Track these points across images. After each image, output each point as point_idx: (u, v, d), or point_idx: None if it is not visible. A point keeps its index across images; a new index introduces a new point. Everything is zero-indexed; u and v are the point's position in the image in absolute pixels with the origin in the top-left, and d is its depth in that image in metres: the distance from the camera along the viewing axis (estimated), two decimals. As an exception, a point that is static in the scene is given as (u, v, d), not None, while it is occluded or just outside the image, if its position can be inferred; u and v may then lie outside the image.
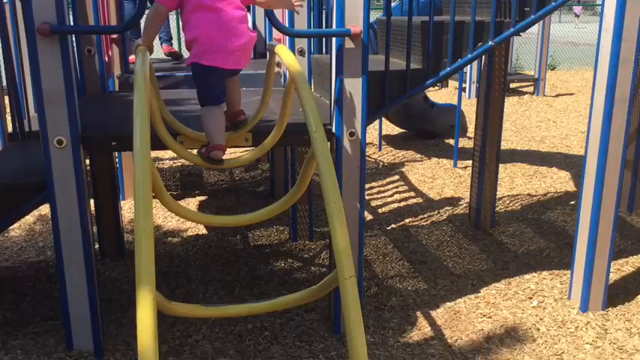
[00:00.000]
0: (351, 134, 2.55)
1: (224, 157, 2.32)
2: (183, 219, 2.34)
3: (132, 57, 4.20)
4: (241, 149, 4.63)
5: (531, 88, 9.84)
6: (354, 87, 2.51)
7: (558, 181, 5.10)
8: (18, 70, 3.37)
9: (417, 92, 2.83)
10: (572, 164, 5.62)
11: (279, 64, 3.58)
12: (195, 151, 2.39)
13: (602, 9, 2.65)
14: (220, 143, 2.30)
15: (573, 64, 13.61)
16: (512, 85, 9.95)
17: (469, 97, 9.11)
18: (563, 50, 14.81)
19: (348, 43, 2.46)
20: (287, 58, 2.16)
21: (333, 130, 2.57)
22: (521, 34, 2.84)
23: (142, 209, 1.59)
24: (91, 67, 3.32)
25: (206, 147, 2.33)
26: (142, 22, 2.47)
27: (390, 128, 7.05)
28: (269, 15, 2.43)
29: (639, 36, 2.62)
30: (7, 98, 3.14)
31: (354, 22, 2.43)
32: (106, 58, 3.78)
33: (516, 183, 5.06)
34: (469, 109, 7.41)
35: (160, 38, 4.95)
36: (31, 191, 2.47)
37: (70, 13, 3.16)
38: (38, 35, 2.16)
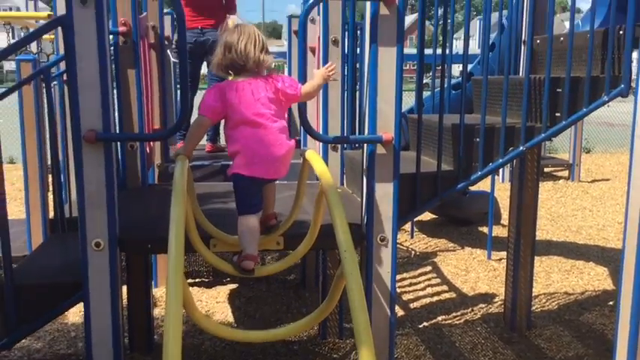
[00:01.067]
0: (382, 239, 2.55)
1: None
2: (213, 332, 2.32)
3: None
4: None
5: (566, 172, 9.74)
6: (386, 192, 2.53)
7: (596, 277, 4.95)
8: (64, 154, 3.54)
9: (448, 195, 2.84)
10: (610, 259, 5.46)
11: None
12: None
13: (633, 119, 2.66)
14: (252, 253, 2.33)
15: (609, 147, 13.48)
16: (546, 170, 9.87)
17: (502, 180, 9.05)
18: (598, 132, 14.72)
19: (380, 149, 2.51)
20: (318, 167, 2.21)
21: (364, 232, 2.58)
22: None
23: (173, 326, 1.59)
24: (132, 160, 3.44)
25: (238, 255, 2.37)
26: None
27: (424, 214, 7.02)
28: (303, 122, 2.51)
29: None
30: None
31: (386, 129, 2.49)
32: (148, 149, 3.93)
33: (553, 279, 4.93)
34: (502, 193, 7.35)
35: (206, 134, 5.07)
36: (67, 290, 2.51)
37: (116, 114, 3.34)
38: (84, 142, 2.26)
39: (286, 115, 2.51)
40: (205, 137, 5.02)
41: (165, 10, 5.07)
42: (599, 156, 12.46)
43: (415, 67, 3.10)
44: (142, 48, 3.80)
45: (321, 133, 3.62)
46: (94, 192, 2.30)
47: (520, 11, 3.61)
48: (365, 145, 2.56)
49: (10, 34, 10.50)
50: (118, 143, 3.25)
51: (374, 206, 2.54)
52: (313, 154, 2.37)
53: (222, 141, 5.59)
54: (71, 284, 2.48)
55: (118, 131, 3.33)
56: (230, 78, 2.42)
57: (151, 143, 4.09)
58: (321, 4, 3.46)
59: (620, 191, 8.64)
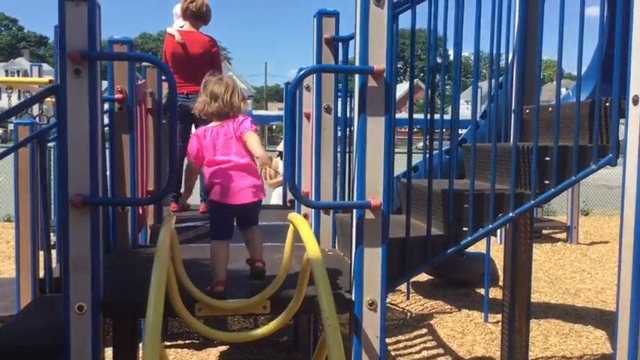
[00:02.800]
0: (371, 304, 2.52)
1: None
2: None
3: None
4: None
5: (564, 235, 9.71)
6: (374, 257, 2.52)
7: (594, 341, 4.86)
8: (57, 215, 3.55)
9: (437, 261, 2.83)
10: (609, 322, 5.36)
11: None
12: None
13: (622, 187, 2.68)
14: (221, 279, 2.59)
15: (607, 209, 13.48)
16: (544, 232, 9.85)
17: (500, 241, 9.00)
18: (597, 194, 14.74)
19: (368, 214, 2.52)
20: (304, 234, 2.21)
21: (352, 298, 2.56)
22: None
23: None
24: (123, 222, 3.45)
25: (210, 284, 2.57)
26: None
27: (420, 274, 6.96)
28: (291, 187, 2.52)
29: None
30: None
31: (374, 195, 2.50)
32: (140, 211, 3.94)
33: (550, 342, 4.84)
34: (500, 254, 7.29)
35: (200, 196, 5.09)
36: (50, 353, 2.47)
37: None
38: (71, 205, 2.28)
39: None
40: (199, 198, 5.04)
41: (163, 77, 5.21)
42: (597, 218, 12.46)
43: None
44: (140, 113, 3.88)
45: (313, 195, 3.66)
46: (78, 256, 2.30)
47: (510, 80, 3.70)
48: (354, 210, 2.57)
49: (15, 96, 10.78)
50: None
51: (362, 271, 2.52)
52: (299, 219, 2.37)
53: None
54: (53, 347, 2.43)
55: (110, 194, 3.40)
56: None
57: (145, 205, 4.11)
58: (315, 76, 3.55)
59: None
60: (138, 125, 3.81)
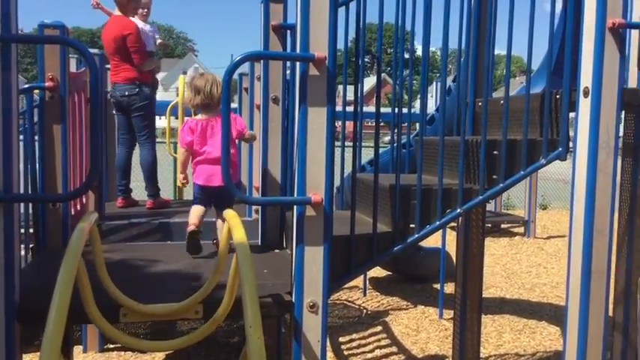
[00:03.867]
0: (312, 306, 2.39)
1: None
2: None
3: None
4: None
5: (522, 229, 9.78)
6: (315, 256, 2.39)
7: (548, 337, 4.85)
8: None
9: (384, 259, 2.72)
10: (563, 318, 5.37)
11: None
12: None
13: (572, 182, 2.61)
14: (192, 222, 3.28)
15: (565, 202, 13.66)
16: (502, 226, 9.91)
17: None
18: (555, 188, 14.95)
19: (309, 211, 2.38)
20: (237, 234, 2.05)
21: (293, 300, 2.43)
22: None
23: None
24: (54, 219, 3.23)
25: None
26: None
27: (378, 270, 6.88)
28: (227, 183, 2.36)
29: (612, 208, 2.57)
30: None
31: (315, 190, 2.37)
32: (78, 207, 3.73)
33: (504, 339, 4.81)
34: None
35: (146, 190, 4.88)
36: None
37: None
38: (-19, 202, 2.08)
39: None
40: (146, 193, 4.84)
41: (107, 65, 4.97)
42: (555, 212, 12.61)
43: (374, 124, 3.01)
44: (78, 103, 3.66)
45: (260, 190, 3.51)
46: (-10, 257, 2.10)
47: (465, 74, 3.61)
48: (294, 206, 2.44)
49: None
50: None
51: (302, 271, 2.39)
52: (234, 217, 2.22)
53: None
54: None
55: (40, 190, 3.18)
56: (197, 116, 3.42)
57: (83, 199, 3.89)
58: (262, 65, 3.40)
59: (574, 248, 8.68)
60: (76, 116, 3.60)
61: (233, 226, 2.09)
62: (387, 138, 9.62)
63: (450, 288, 6.01)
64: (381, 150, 3.73)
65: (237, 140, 3.47)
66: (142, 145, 4.77)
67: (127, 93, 4.62)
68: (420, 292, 6.24)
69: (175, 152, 7.07)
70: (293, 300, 2.42)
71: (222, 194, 3.28)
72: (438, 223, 2.68)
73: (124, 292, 2.31)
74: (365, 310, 5.65)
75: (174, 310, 2.25)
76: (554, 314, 5.53)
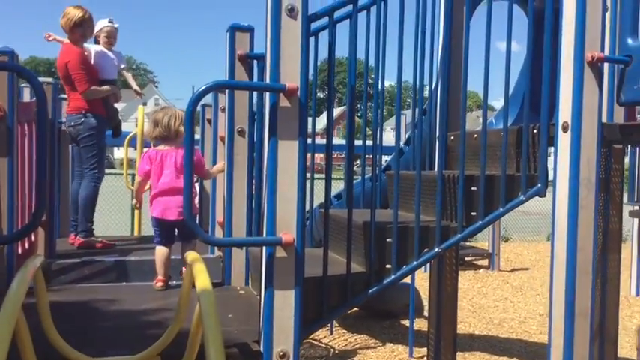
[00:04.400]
0: (282, 355, 2.20)
1: None
2: None
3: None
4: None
5: (486, 261, 9.76)
6: (286, 301, 2.21)
7: (521, 377, 4.72)
8: None
9: (359, 302, 2.55)
10: (534, 354, 5.28)
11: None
12: None
13: (552, 219, 2.52)
14: (160, 277, 3.31)
15: (526, 235, 13.81)
16: (467, 258, 9.86)
17: (425, 269, 8.91)
18: (515, 220, 15.10)
19: (279, 252, 2.21)
20: (200, 281, 1.85)
21: (261, 349, 2.23)
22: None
23: None
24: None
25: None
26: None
27: (343, 307, 6.68)
28: (189, 222, 2.16)
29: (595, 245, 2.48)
30: None
31: (286, 229, 2.20)
32: (27, 245, 3.46)
33: (476, 379, 4.66)
34: (425, 282, 7.15)
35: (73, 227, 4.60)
36: None
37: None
38: None
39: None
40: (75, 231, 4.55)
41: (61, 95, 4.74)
42: (517, 245, 12.69)
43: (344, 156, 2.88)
44: (29, 135, 3.42)
45: (224, 227, 3.31)
46: None
47: (435, 106, 3.53)
48: (263, 247, 2.26)
49: None
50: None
51: (272, 317, 2.20)
52: (196, 261, 2.02)
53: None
54: None
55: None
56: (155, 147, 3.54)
57: (32, 237, 3.62)
58: (227, 95, 3.25)
59: (539, 281, 8.68)
60: (26, 149, 3.36)
61: (196, 271, 1.89)
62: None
63: (419, 324, 5.88)
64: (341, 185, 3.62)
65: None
66: (85, 177, 4.50)
67: (72, 123, 4.40)
68: (388, 328, 6.06)
69: (133, 185, 6.81)
70: (261, 350, 2.22)
71: (181, 227, 3.37)
72: (415, 262, 2.54)
73: (73, 342, 2.08)
74: (332, 350, 5.43)
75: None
76: (524, 351, 5.42)
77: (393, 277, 2.53)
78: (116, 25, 5.04)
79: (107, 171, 5.51)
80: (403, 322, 6.19)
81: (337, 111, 57.54)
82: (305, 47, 2.21)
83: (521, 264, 10.14)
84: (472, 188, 2.62)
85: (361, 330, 6.00)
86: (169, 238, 3.38)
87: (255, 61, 3.26)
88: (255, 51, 3.26)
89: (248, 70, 3.24)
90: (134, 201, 3.71)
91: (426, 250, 2.57)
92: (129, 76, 5.26)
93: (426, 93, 3.58)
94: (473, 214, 2.60)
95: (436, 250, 2.55)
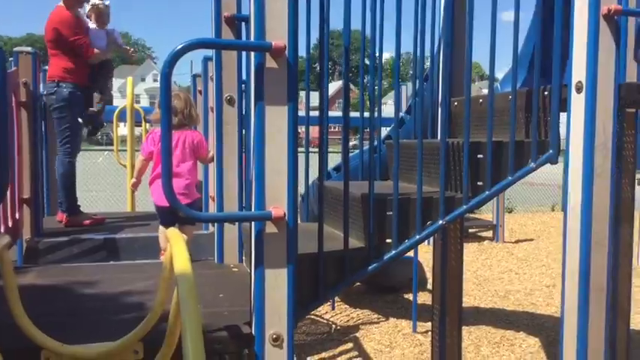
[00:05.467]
0: (275, 339, 2.03)
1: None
2: None
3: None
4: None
5: (490, 233, 9.61)
6: (278, 280, 2.04)
7: (528, 350, 4.59)
8: None
9: (357, 279, 2.38)
10: (541, 327, 5.14)
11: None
12: None
13: (564, 188, 2.33)
14: (162, 250, 3.22)
15: (530, 206, 13.65)
16: (470, 230, 9.71)
17: (428, 242, 8.76)
18: (519, 191, 14.91)
19: (270, 227, 2.03)
20: (178, 261, 1.66)
21: (253, 332, 2.06)
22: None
23: None
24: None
25: None
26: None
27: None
28: (169, 196, 1.98)
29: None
30: None
31: (277, 203, 2.02)
32: (9, 223, 3.29)
33: (483, 354, 4.52)
34: (428, 256, 7.01)
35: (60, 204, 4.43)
36: None
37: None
38: None
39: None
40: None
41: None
42: (521, 216, 12.53)
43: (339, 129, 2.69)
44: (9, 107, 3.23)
45: (215, 204, 3.14)
46: None
47: (436, 72, 3.32)
48: (252, 223, 2.08)
49: None
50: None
51: (264, 298, 2.04)
52: (175, 238, 1.84)
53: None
54: None
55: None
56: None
57: (16, 214, 3.45)
58: (214, 61, 3.04)
59: (544, 252, 8.54)
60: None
61: (175, 251, 1.71)
62: (352, 143, 9.33)
63: (422, 297, 5.74)
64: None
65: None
66: (58, 152, 4.30)
67: (45, 92, 4.21)
68: (390, 303, 5.93)
69: (125, 161, 6.64)
70: (253, 332, 2.06)
71: (172, 212, 3.14)
72: (417, 237, 2.36)
73: (50, 327, 1.91)
74: (334, 326, 5.30)
75: (109, 351, 1.86)
76: (531, 323, 5.29)
77: (393, 252, 2.36)
78: (107, 3, 4.80)
79: (107, 147, 5.34)
80: (406, 296, 6.06)
81: (335, 86, 56.95)
82: (292, 1, 1.99)
83: (525, 235, 9.99)
84: (478, 156, 2.43)
85: (363, 305, 5.87)
86: (169, 220, 3.27)
87: (243, 24, 3.04)
88: (244, 12, 3.04)
89: (236, 34, 3.02)
90: (134, 180, 3.52)
91: (429, 223, 2.39)
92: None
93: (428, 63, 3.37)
94: (479, 183, 2.42)
95: (440, 222, 2.37)
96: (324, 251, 2.29)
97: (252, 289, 2.09)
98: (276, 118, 2.00)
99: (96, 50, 4.40)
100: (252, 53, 2.01)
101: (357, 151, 5.09)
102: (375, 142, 3.77)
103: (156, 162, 3.34)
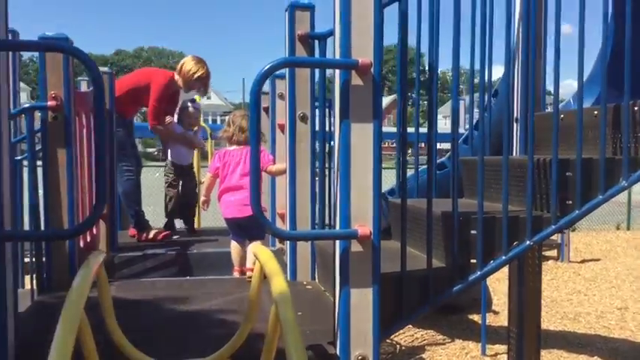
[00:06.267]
0: (361, 359, 2.00)
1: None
2: None
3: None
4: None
5: (554, 252, 9.28)
6: (364, 300, 2.00)
7: (605, 376, 4.37)
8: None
9: (441, 301, 2.32)
10: (615, 351, 4.90)
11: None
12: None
13: None
14: (236, 267, 3.41)
15: (592, 224, 13.15)
16: (534, 249, 9.41)
17: (489, 262, 8.54)
18: (581, 208, 14.35)
19: (355, 246, 2.00)
20: (276, 285, 1.64)
21: (337, 353, 2.03)
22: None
23: None
24: (60, 254, 2.87)
25: None
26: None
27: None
28: (256, 213, 1.98)
29: None
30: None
31: (362, 221, 1.99)
32: (88, 238, 3.38)
33: (557, 379, 4.34)
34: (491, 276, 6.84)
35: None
36: None
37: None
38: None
39: None
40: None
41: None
42: (585, 234, 12.06)
43: (394, 145, 2.66)
44: (87, 126, 3.33)
45: (288, 218, 3.13)
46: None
47: (511, 86, 3.24)
48: (336, 241, 2.05)
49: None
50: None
51: (349, 318, 2.00)
52: (266, 254, 1.83)
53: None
54: None
55: (45, 221, 2.83)
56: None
57: (94, 230, 3.54)
58: (288, 77, 3.05)
59: (612, 272, 8.18)
60: (84, 140, 3.27)
61: (269, 270, 1.69)
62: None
63: (488, 318, 5.57)
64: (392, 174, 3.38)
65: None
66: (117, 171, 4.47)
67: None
68: (455, 324, 5.77)
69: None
70: (337, 352, 2.02)
71: (247, 226, 3.33)
72: (504, 257, 2.28)
73: (137, 344, 1.94)
74: (399, 346, 5.20)
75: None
76: (604, 347, 5.05)
77: (479, 273, 2.29)
78: (198, 107, 5.03)
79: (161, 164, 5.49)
80: (471, 317, 5.90)
81: (387, 99, 56.75)
82: (378, 19, 1.98)
83: (591, 255, 9.59)
84: (567, 174, 2.33)
85: (427, 325, 5.74)
86: (240, 234, 3.42)
87: (316, 42, 3.05)
88: (316, 30, 3.05)
89: (309, 51, 3.03)
90: (202, 198, 3.65)
91: (515, 243, 2.31)
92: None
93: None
94: (568, 202, 2.32)
95: (528, 243, 2.29)
96: (406, 271, 2.24)
97: (337, 308, 2.06)
98: (362, 135, 1.98)
99: (160, 127, 4.57)
100: (337, 71, 2.00)
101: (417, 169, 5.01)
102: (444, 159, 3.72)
103: (222, 178, 3.48)
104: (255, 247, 1.98)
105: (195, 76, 4.57)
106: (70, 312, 1.41)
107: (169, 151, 4.88)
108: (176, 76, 4.62)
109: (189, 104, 4.97)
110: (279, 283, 1.55)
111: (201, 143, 5.22)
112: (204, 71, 4.63)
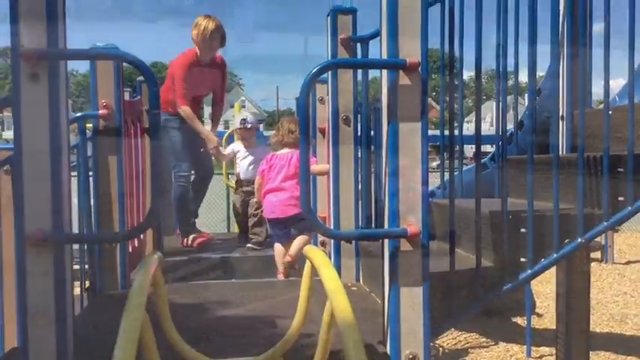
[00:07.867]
0: (412, 358, 2.00)
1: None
2: None
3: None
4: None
5: (598, 254, 9.07)
6: (414, 299, 2.00)
7: (658, 379, 4.26)
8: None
9: (491, 299, 2.30)
10: None
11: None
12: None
13: None
14: (279, 270, 3.53)
15: (636, 224, 12.80)
16: (576, 251, 9.23)
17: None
18: (624, 209, 14.01)
19: (404, 245, 2.00)
20: (330, 284, 1.65)
21: (388, 352, 2.04)
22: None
23: None
24: (111, 258, 2.95)
25: None
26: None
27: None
28: (306, 211, 2.00)
29: None
30: None
31: (411, 220, 1.99)
32: (136, 243, 3.46)
33: (607, 382, 4.24)
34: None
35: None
36: None
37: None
38: (27, 243, 1.78)
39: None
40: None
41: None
42: (628, 235, 11.75)
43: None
44: (134, 134, 3.42)
45: (332, 221, 3.15)
46: (38, 306, 1.79)
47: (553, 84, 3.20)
48: (385, 240, 2.06)
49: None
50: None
51: (399, 317, 2.00)
52: (319, 255, 1.85)
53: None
54: None
55: (95, 227, 2.92)
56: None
57: (141, 236, 3.62)
58: (330, 82, 3.07)
59: (659, 274, 7.96)
60: (132, 148, 3.35)
61: (324, 273, 1.70)
62: (435, 163, 9.10)
63: (532, 322, 5.48)
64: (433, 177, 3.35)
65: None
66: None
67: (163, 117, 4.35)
68: (498, 326, 5.69)
69: (228, 180, 7.06)
70: (388, 352, 2.03)
71: (289, 225, 3.54)
72: (555, 255, 2.25)
73: (190, 344, 1.98)
74: (442, 349, 5.16)
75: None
76: (656, 351, 4.91)
77: (529, 272, 2.27)
78: (248, 126, 4.93)
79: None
80: (514, 319, 5.81)
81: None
82: (425, 18, 1.99)
83: (636, 256, 9.34)
84: (618, 169, 2.29)
85: (470, 328, 5.67)
86: (282, 235, 3.58)
87: (358, 45, 3.07)
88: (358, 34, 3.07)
89: (352, 54, 3.05)
90: (254, 199, 3.99)
91: (567, 240, 2.28)
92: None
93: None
94: (620, 199, 2.28)
95: (579, 240, 2.26)
96: (455, 269, 2.23)
97: (387, 307, 2.07)
98: (410, 134, 1.98)
99: (185, 108, 4.42)
100: (385, 72, 2.02)
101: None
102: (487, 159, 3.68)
103: (267, 180, 3.68)
104: (309, 248, 2.00)
105: (206, 33, 4.36)
106: (132, 312, 1.46)
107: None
108: (194, 46, 4.47)
109: (238, 126, 4.95)
110: (333, 285, 1.57)
111: (214, 141, 4.60)
112: (213, 24, 4.40)
